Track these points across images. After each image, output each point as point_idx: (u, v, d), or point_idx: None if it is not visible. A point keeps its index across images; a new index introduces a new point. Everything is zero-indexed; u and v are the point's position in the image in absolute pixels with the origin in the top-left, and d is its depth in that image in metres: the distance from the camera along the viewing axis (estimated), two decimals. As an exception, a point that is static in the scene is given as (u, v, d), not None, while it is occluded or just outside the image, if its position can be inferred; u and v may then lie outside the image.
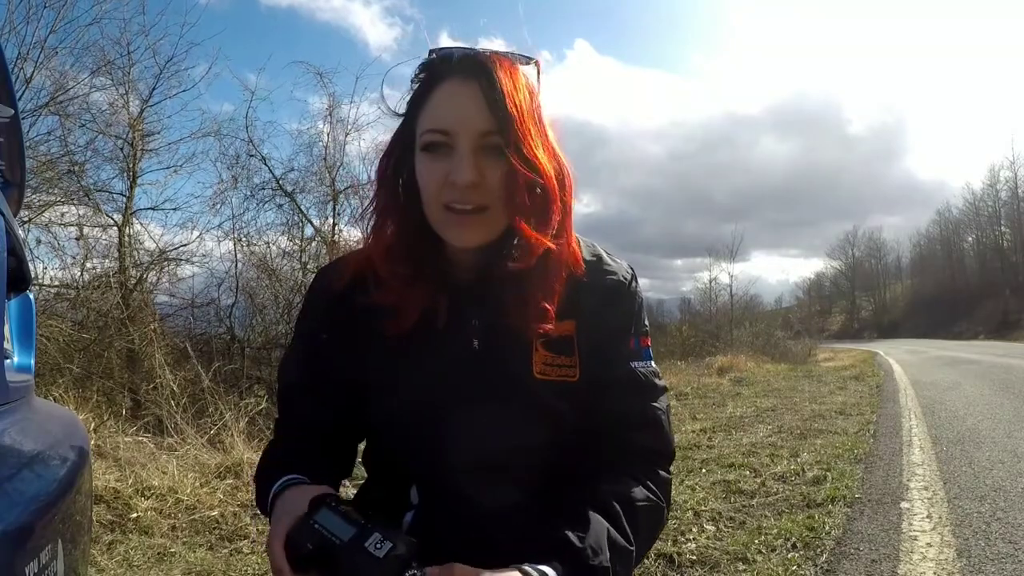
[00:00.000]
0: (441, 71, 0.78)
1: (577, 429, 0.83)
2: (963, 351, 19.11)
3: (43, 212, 6.83)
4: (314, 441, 0.86)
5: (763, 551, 2.69)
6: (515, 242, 0.79)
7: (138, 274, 7.84)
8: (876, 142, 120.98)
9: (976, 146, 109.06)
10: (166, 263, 8.33)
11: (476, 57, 0.77)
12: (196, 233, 8.40)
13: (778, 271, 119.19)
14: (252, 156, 8.68)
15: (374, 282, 0.82)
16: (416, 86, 0.80)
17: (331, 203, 8.72)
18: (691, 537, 2.87)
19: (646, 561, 2.61)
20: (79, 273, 7.30)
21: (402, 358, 0.82)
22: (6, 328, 1.16)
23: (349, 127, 8.88)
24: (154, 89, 7.99)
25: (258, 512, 3.26)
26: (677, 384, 9.34)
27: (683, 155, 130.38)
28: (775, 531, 2.90)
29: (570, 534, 0.71)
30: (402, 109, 0.83)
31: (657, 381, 0.87)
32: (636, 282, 0.89)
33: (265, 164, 8.74)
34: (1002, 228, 50.25)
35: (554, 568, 0.68)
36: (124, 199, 7.92)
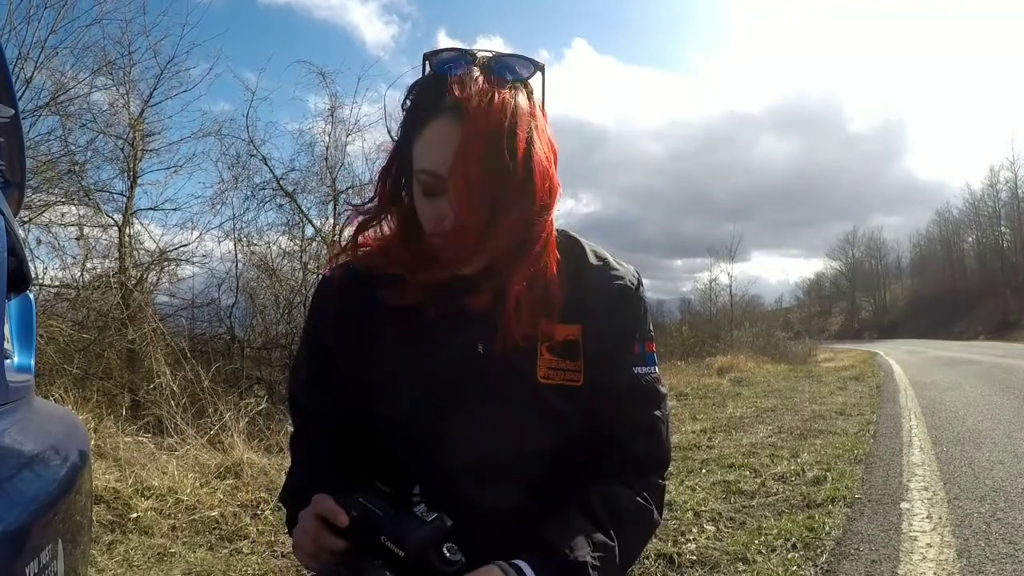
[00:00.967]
0: (432, 107, 0.75)
1: (579, 431, 0.83)
2: (963, 351, 19.11)
3: (43, 212, 6.85)
4: (329, 446, 0.87)
5: (763, 551, 2.70)
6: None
7: (138, 274, 7.85)
8: (876, 142, 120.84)
9: (976, 146, 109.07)
10: (166, 263, 8.36)
11: (466, 105, 0.73)
12: (196, 233, 8.44)
13: (778, 271, 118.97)
14: (253, 156, 8.71)
15: (378, 284, 0.83)
16: (409, 113, 0.79)
17: (332, 203, 8.75)
18: (691, 537, 2.87)
19: (646, 561, 2.62)
20: (79, 273, 7.33)
21: (405, 359, 0.83)
22: (6, 328, 1.16)
23: (350, 127, 8.91)
24: (155, 89, 8.02)
25: (258, 512, 3.28)
26: (677, 384, 9.33)
27: (683, 155, 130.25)
28: (775, 531, 2.90)
29: (545, 530, 0.73)
30: (400, 117, 0.81)
31: (659, 388, 0.87)
32: (642, 286, 0.89)
33: (266, 164, 8.77)
34: (1002, 228, 50.25)
35: (529, 563, 0.69)
36: (124, 199, 7.95)
